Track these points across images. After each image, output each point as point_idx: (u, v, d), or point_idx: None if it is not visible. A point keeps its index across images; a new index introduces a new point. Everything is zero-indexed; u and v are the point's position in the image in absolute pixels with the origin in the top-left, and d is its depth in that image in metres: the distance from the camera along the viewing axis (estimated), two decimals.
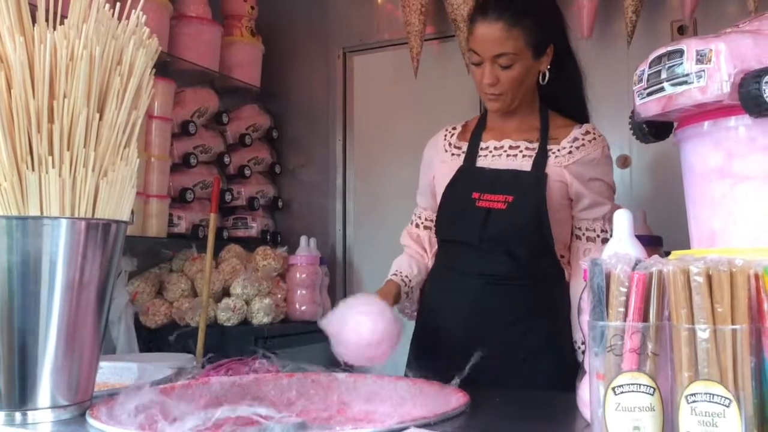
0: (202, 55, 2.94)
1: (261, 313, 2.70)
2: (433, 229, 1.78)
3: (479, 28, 1.61)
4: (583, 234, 1.67)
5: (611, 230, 1.63)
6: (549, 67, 1.67)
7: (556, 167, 1.63)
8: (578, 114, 1.74)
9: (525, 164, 1.64)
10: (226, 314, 2.64)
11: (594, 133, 1.68)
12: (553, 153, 1.65)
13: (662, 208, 1.92)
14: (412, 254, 1.82)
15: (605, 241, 1.60)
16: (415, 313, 1.81)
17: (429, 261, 1.82)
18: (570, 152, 1.64)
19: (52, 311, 1.07)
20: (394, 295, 1.68)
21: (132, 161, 1.17)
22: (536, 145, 1.66)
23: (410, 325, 1.80)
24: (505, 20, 1.58)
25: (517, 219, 1.59)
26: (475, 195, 1.62)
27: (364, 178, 3.28)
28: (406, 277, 1.75)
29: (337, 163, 3.31)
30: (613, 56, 2.66)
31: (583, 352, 1.60)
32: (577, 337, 1.63)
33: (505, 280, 1.62)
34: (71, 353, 1.10)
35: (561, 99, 1.73)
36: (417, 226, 1.88)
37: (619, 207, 1.16)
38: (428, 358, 1.39)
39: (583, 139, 1.66)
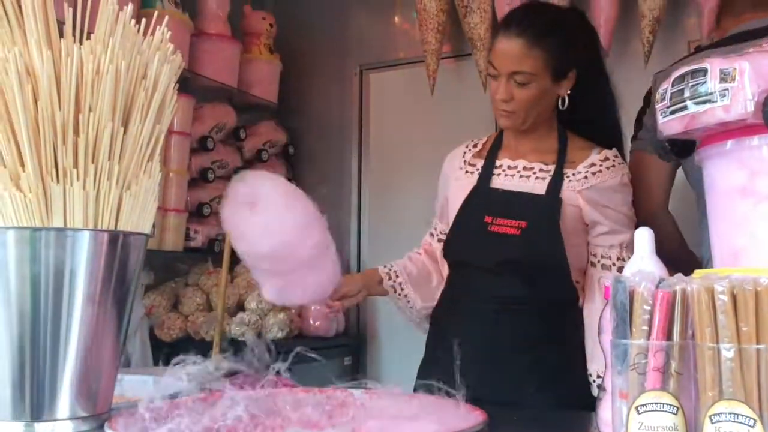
0: (220, 72, 2.98)
1: (275, 328, 2.70)
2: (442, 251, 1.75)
3: (500, 42, 1.58)
4: (598, 261, 1.61)
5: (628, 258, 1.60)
6: (569, 92, 1.61)
7: (570, 191, 1.58)
8: (608, 139, 1.66)
9: (538, 186, 1.60)
10: (241, 328, 2.65)
11: (613, 160, 1.61)
12: (568, 177, 1.60)
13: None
14: (413, 256, 1.85)
15: (621, 270, 1.55)
16: (414, 311, 1.80)
17: (435, 274, 1.81)
18: (585, 177, 1.59)
19: (73, 322, 1.08)
20: (373, 280, 1.76)
21: (155, 175, 1.18)
22: (551, 167, 1.61)
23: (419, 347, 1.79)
24: (526, 38, 1.54)
25: (531, 246, 1.55)
26: (488, 219, 1.59)
27: (379, 195, 3.29)
28: (394, 272, 1.78)
29: (352, 180, 3.33)
30: (630, 76, 2.65)
31: (599, 386, 1.57)
32: (593, 369, 1.57)
33: (518, 303, 1.58)
34: (91, 364, 1.10)
35: (593, 122, 1.66)
36: (432, 235, 1.87)
37: None
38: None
39: (600, 165, 1.60)
